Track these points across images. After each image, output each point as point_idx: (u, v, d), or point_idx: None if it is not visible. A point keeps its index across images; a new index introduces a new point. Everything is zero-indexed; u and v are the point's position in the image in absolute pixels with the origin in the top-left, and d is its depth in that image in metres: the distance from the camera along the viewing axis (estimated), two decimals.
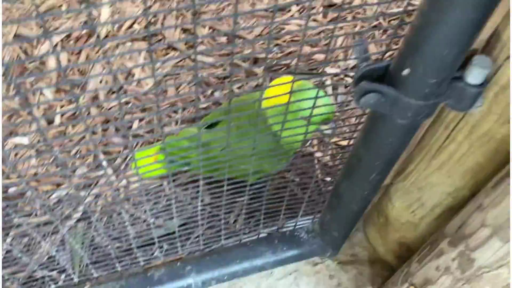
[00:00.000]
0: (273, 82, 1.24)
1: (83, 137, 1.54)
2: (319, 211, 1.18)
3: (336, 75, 1.72)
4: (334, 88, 1.73)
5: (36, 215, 1.38)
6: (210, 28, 1.85)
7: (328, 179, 1.47)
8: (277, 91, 1.14)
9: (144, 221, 1.39)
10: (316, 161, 1.54)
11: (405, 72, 0.64)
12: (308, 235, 1.18)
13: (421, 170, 0.98)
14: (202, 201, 1.45)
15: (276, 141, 1.22)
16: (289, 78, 1.17)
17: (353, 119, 1.60)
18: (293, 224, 1.20)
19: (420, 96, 0.65)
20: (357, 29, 1.86)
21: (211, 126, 1.34)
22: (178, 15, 1.87)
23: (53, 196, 1.41)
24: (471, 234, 0.79)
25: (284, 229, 1.22)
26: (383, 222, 1.20)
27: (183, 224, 1.38)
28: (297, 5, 1.93)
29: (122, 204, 1.41)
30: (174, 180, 1.47)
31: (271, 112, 1.17)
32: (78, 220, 1.37)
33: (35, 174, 1.45)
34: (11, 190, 1.40)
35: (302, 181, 1.49)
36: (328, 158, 1.53)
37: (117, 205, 1.40)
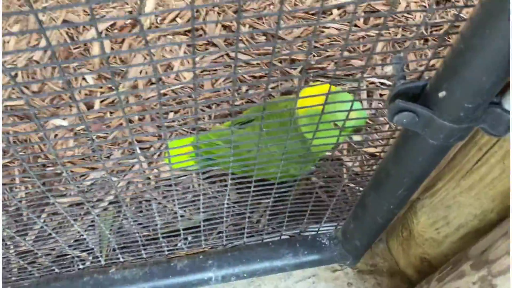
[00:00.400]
0: (308, 90, 1.25)
1: (120, 124, 1.59)
2: (344, 218, 1.18)
3: (372, 82, 1.71)
4: (369, 94, 1.72)
5: (70, 195, 1.44)
6: (250, 26, 1.87)
7: (356, 186, 1.47)
8: (312, 98, 1.16)
9: (171, 211, 1.43)
10: (344, 168, 1.54)
11: (441, 94, 0.64)
12: (330, 241, 1.19)
13: (450, 189, 0.98)
14: (228, 198, 1.48)
15: (305, 145, 1.23)
16: (325, 86, 1.18)
17: (386, 126, 1.59)
18: (316, 229, 1.22)
19: (455, 119, 0.65)
20: (398, 36, 1.84)
21: (242, 124, 1.37)
22: (220, 11, 1.90)
23: (87, 178, 1.46)
24: (495, 260, 0.78)
25: (307, 233, 1.24)
26: (407, 236, 1.20)
27: (208, 219, 1.41)
28: (338, 8, 1.93)
29: (151, 193, 1.46)
30: (203, 173, 1.50)
31: (303, 120, 1.19)
32: (109, 204, 1.43)
33: (72, 155, 1.51)
34: (48, 169, 1.47)
35: (329, 186, 1.49)
36: (356, 164, 1.52)
37: (147, 193, 1.45)
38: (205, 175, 1.51)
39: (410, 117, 0.69)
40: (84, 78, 1.68)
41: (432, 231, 1.09)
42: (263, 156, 1.28)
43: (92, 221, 1.40)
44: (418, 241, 1.16)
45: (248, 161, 1.27)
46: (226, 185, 1.48)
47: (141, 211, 1.43)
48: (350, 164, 1.54)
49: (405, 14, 1.92)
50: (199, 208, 1.38)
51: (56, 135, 1.55)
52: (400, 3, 1.95)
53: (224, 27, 1.86)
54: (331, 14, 1.93)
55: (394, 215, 0.97)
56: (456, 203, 0.98)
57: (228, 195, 1.46)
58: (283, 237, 1.22)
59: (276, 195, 1.19)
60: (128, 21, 1.83)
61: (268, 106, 1.39)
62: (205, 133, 1.46)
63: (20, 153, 1.50)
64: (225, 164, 1.30)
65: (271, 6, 1.94)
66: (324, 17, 1.91)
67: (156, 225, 1.34)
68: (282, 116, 1.27)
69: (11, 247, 1.31)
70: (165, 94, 1.67)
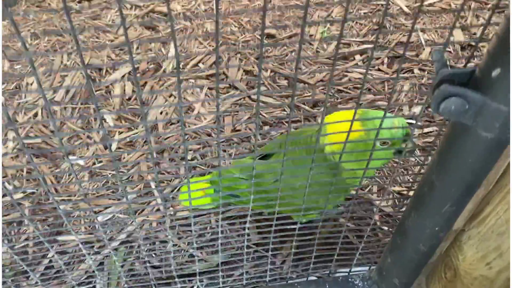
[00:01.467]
0: (334, 115, 1.18)
1: (137, 163, 1.53)
2: (375, 262, 1.06)
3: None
4: None
5: (81, 233, 1.35)
6: (271, 71, 1.86)
7: (388, 228, 1.35)
8: (339, 125, 1.09)
9: (187, 252, 1.32)
10: (374, 209, 1.43)
11: (495, 72, 0.57)
12: (364, 282, 1.06)
13: (501, 212, 0.86)
14: (249, 238, 1.36)
15: (335, 174, 1.14)
16: (351, 111, 1.11)
17: (416, 168, 1.49)
18: (347, 272, 1.09)
19: None
20: (423, 80, 1.79)
21: (264, 157, 1.29)
22: (241, 57, 1.90)
23: (100, 217, 1.38)
24: None
25: (337, 274, 1.11)
26: (451, 276, 1.05)
27: (226, 262, 1.29)
28: (361, 54, 1.91)
29: (166, 232, 1.36)
30: (222, 213, 1.40)
31: (334, 147, 1.11)
32: (121, 244, 1.33)
33: (86, 195, 1.44)
34: (61, 207, 1.39)
35: (359, 229, 1.37)
36: (388, 204, 1.41)
37: (162, 233, 1.35)
38: (224, 215, 1.41)
39: (459, 104, 0.61)
40: (103, 119, 1.65)
41: (482, 266, 0.95)
42: (288, 188, 1.19)
43: (102, 261, 1.29)
44: (466, 281, 1.01)
45: (270, 190, 1.18)
46: (246, 225, 1.38)
47: (154, 252, 1.33)
48: (381, 204, 1.43)
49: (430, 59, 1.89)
50: (217, 250, 1.27)
51: (70, 174, 1.50)
52: (424, 49, 1.93)
53: (246, 72, 1.85)
54: (354, 59, 1.91)
55: (438, 242, 0.86)
56: (509, 229, 0.85)
57: (248, 235, 1.35)
58: (310, 277, 1.09)
59: (301, 235, 1.08)
60: (151, 65, 1.84)
61: (292, 133, 1.32)
62: (225, 167, 1.39)
63: (32, 190, 1.44)
64: (246, 199, 1.21)
65: (293, 53, 1.94)
66: (346, 63, 1.89)
67: (170, 266, 1.23)
68: (308, 143, 1.20)
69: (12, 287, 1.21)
70: (185, 134, 1.62)
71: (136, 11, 2.06)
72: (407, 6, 2.13)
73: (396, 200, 1.41)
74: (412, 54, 1.90)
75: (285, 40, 1.99)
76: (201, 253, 1.32)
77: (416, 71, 1.83)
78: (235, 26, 2.05)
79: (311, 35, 2.02)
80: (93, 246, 1.31)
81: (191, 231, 1.36)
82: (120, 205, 1.41)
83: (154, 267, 1.29)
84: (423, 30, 1.99)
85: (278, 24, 2.07)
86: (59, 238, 1.33)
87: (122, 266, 1.28)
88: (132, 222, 1.37)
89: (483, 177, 0.70)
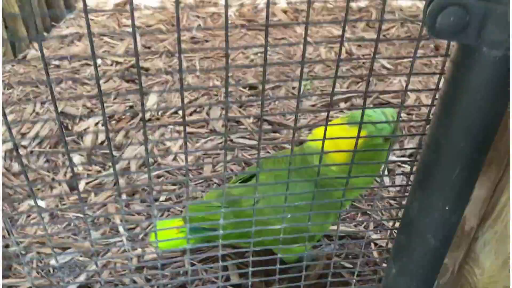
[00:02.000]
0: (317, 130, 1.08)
1: (104, 205, 1.37)
2: None
3: (393, 161, 1.54)
4: (390, 172, 1.53)
5: (33, 277, 1.15)
6: (255, 118, 1.79)
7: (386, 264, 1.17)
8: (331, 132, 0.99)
9: None
10: (373, 244, 1.26)
11: None
12: None
13: None
14: (227, 279, 1.17)
15: (328, 192, 1.00)
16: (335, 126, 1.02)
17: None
18: None
19: None
20: (412, 124, 1.73)
21: (244, 182, 1.16)
22: (223, 107, 1.85)
23: (53, 261, 1.19)
24: None
25: None
26: None
27: None
28: (345, 101, 1.87)
29: (132, 275, 1.16)
30: (197, 253, 1.22)
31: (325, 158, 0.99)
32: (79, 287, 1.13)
33: (42, 237, 1.26)
34: (11, 249, 1.21)
35: (353, 265, 1.19)
36: (385, 240, 1.25)
37: (127, 276, 1.15)
38: (199, 256, 1.23)
39: (458, 15, 0.52)
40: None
41: (505, 275, 0.79)
42: (272, 211, 1.04)
43: None
44: None
45: (251, 215, 1.02)
46: (225, 266, 1.19)
47: None
48: (377, 239, 1.27)
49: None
50: None
51: (29, 216, 1.33)
52: (410, 97, 1.90)
53: (228, 120, 1.78)
54: (339, 106, 1.86)
55: (451, 232, 0.71)
56: None
57: (227, 277, 1.16)
58: None
59: (289, 279, 0.93)
60: (128, 113, 1.77)
61: (275, 155, 1.19)
62: (197, 201, 1.24)
63: None
64: (225, 230, 1.05)
65: (276, 102, 1.89)
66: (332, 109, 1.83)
67: None
68: (293, 160, 1.08)
69: None
70: (160, 176, 1.49)
71: (117, 66, 2.04)
72: (388, 63, 2.15)
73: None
74: (398, 101, 1.86)
75: (268, 91, 1.95)
76: None
77: (403, 115, 1.78)
78: (217, 81, 2.02)
79: (293, 87, 1.99)
80: None
81: (159, 274, 1.17)
82: (81, 247, 1.23)
83: None
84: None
85: (260, 78, 2.06)
86: (5, 281, 1.12)
87: None
88: (94, 263, 1.18)
89: (497, 124, 0.59)
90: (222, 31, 2.46)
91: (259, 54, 2.26)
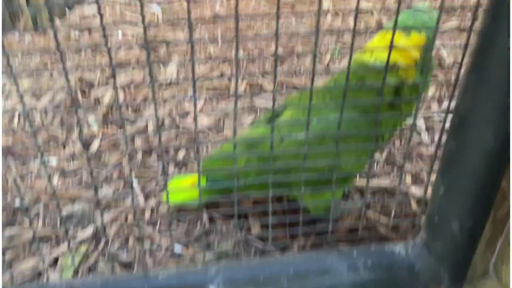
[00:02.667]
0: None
1: (120, 163, 1.29)
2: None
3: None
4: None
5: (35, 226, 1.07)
6: (280, 83, 1.69)
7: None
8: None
9: (168, 251, 1.02)
10: (412, 199, 1.12)
11: None
12: (407, 249, 0.74)
13: None
14: (249, 230, 1.06)
15: (365, 119, 0.88)
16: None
17: None
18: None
19: None
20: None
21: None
22: (246, 74, 1.75)
23: (64, 211, 1.11)
24: None
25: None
26: None
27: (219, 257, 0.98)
28: None
29: (144, 228, 1.07)
30: (216, 206, 1.12)
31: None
32: (85, 239, 1.04)
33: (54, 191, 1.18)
34: (17, 201, 1.13)
35: (394, 222, 1.06)
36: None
37: (139, 228, 1.06)
38: (218, 211, 1.12)
39: None
40: (88, 125, 1.46)
41: None
42: (299, 144, 0.92)
43: (56, 258, 0.99)
44: None
45: (278, 160, 0.91)
46: (245, 217, 1.08)
47: (126, 248, 1.02)
48: (418, 193, 1.13)
49: None
50: (208, 246, 0.97)
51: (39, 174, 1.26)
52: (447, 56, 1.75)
53: (251, 85, 1.68)
54: None
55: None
56: None
57: (249, 227, 1.05)
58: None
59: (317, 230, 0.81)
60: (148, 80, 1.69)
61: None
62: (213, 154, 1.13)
63: None
64: (246, 183, 0.94)
65: (302, 67, 1.78)
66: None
67: (146, 265, 0.93)
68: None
69: None
70: (177, 135, 1.39)
71: (137, 37, 1.98)
72: None
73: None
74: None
75: (294, 58, 1.84)
76: (187, 248, 1.01)
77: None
78: (240, 50, 1.93)
79: (321, 55, 1.87)
80: (48, 241, 1.02)
81: (173, 225, 1.08)
82: (90, 199, 1.14)
83: (123, 265, 0.98)
84: None
85: (286, 48, 1.95)
86: (9, 231, 1.05)
87: (79, 264, 0.97)
88: (103, 215, 1.09)
89: None
90: (244, 8, 2.38)
91: (283, 27, 2.16)
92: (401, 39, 0.86)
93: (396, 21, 0.60)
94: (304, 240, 1.03)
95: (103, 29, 0.57)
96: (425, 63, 0.85)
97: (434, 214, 0.70)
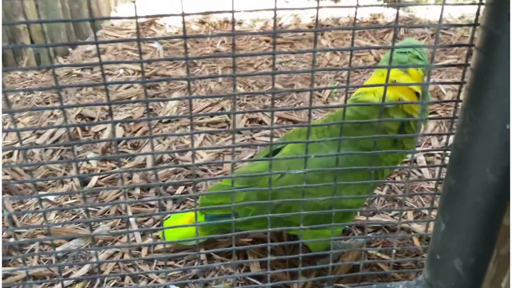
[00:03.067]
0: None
1: (116, 198, 1.28)
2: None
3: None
4: None
5: (30, 266, 1.04)
6: (279, 118, 1.69)
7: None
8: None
9: None
10: (413, 235, 1.10)
11: None
12: None
13: None
14: (248, 269, 1.03)
15: (364, 154, 0.88)
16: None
17: None
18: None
19: None
20: None
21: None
22: (246, 108, 1.76)
23: (59, 249, 1.08)
24: None
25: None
26: None
27: None
28: None
29: (141, 266, 1.04)
30: (215, 245, 1.09)
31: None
32: (80, 279, 1.01)
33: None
34: (11, 240, 1.11)
35: (396, 260, 1.03)
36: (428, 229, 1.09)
37: (135, 267, 1.03)
38: (215, 249, 1.10)
39: None
40: (88, 162, 1.45)
41: None
42: (298, 180, 0.91)
43: None
44: None
45: (278, 196, 0.90)
46: (244, 255, 1.06)
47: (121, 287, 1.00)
48: (420, 230, 1.11)
49: None
50: (206, 285, 0.95)
51: (37, 208, 1.24)
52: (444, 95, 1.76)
53: (251, 120, 1.69)
54: None
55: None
56: None
57: (247, 266, 1.03)
58: None
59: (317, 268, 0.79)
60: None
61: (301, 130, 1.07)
62: (211, 191, 1.12)
63: None
64: (244, 219, 0.92)
65: (302, 103, 1.79)
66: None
67: None
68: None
69: None
70: (177, 173, 1.39)
71: (139, 75, 2.01)
72: None
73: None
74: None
75: (293, 94, 1.86)
76: None
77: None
78: (240, 86, 1.95)
79: (320, 91, 1.89)
80: (41, 283, 1.00)
81: (172, 265, 1.05)
82: (86, 238, 1.12)
83: None
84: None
85: (285, 83, 1.98)
86: (4, 269, 1.02)
87: None
88: (98, 253, 1.07)
89: None
90: (245, 45, 2.43)
91: (283, 64, 2.19)
92: (400, 77, 0.87)
93: (391, 59, 0.61)
94: (304, 279, 1.00)
95: (102, 68, 0.57)
96: (424, 97, 0.86)
97: (436, 252, 0.68)
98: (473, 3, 0.57)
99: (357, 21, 2.82)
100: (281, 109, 0.64)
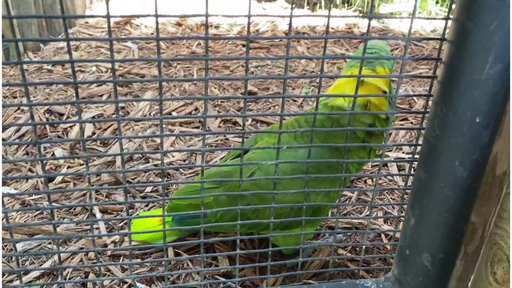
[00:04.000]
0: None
1: (83, 195, 1.24)
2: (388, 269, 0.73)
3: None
4: None
5: None
6: (253, 119, 1.69)
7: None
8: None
9: (130, 286, 0.96)
10: (383, 236, 1.10)
11: None
12: (379, 285, 0.72)
13: None
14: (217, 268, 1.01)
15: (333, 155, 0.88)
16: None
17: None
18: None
19: None
20: None
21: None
22: (220, 110, 1.75)
23: (20, 245, 1.04)
24: None
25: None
26: (504, 273, 0.72)
27: None
28: None
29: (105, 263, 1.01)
30: (179, 241, 1.07)
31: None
32: (41, 275, 0.97)
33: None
34: None
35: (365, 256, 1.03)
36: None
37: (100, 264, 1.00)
38: (184, 247, 1.08)
39: None
40: (53, 154, 1.41)
41: None
42: (269, 184, 0.90)
43: None
44: None
45: (247, 197, 0.89)
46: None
47: (83, 285, 0.96)
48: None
49: None
50: (174, 283, 0.93)
51: None
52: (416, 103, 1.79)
53: (225, 121, 1.67)
54: None
55: (483, 154, 0.58)
56: None
57: (216, 264, 1.01)
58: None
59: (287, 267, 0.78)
60: (120, 112, 1.67)
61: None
62: (186, 187, 1.10)
63: None
64: (215, 223, 0.90)
65: (276, 106, 1.79)
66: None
67: None
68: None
69: None
70: (148, 171, 1.36)
71: (111, 73, 1.97)
72: None
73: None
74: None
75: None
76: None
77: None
78: (215, 88, 1.94)
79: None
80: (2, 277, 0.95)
81: (139, 264, 1.02)
82: (50, 234, 1.08)
83: None
84: None
85: (261, 86, 1.97)
86: None
87: None
88: (61, 250, 1.03)
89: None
90: (221, 48, 2.42)
91: (259, 68, 2.20)
92: (368, 74, 0.87)
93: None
94: (274, 278, 0.99)
95: (72, 67, 0.55)
96: (391, 93, 0.87)
97: (405, 247, 0.68)
98: (443, 18, 0.58)
99: (332, 30, 2.86)
100: (253, 115, 0.64)
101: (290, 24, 0.57)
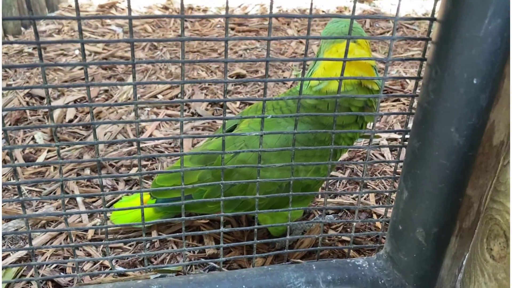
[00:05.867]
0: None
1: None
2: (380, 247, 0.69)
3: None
4: None
5: None
6: (241, 102, 1.64)
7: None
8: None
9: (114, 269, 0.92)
10: (375, 216, 1.07)
11: None
12: (371, 263, 0.68)
13: None
14: (203, 251, 0.98)
15: (320, 126, 0.84)
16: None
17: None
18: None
19: None
20: None
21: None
22: (207, 93, 1.70)
23: None
24: None
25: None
26: (501, 249, 0.69)
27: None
28: None
29: (85, 247, 0.96)
30: (168, 226, 1.03)
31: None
32: (18, 260, 0.92)
33: None
34: None
35: (358, 242, 1.00)
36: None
37: (73, 245, 0.95)
38: (171, 229, 1.03)
39: None
40: (33, 139, 1.36)
41: None
42: (254, 159, 0.86)
43: None
44: None
45: (233, 175, 0.85)
46: (200, 237, 1.00)
47: (63, 269, 0.92)
48: (382, 211, 1.08)
49: None
50: (157, 267, 0.89)
51: None
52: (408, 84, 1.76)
53: (212, 104, 1.63)
54: None
55: (481, 118, 0.54)
56: None
57: (200, 251, 0.97)
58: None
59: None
60: (103, 95, 1.61)
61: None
62: (170, 167, 1.05)
63: None
64: (200, 201, 0.86)
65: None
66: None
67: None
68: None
69: None
70: (132, 153, 1.31)
71: (95, 56, 1.90)
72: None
73: None
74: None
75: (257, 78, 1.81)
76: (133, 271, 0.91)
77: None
78: (202, 70, 1.89)
79: (284, 77, 1.85)
80: None
81: (121, 247, 0.98)
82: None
83: (59, 286, 0.87)
84: None
85: (250, 69, 1.92)
86: None
87: (8, 287, 0.86)
88: (40, 235, 0.98)
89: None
90: (209, 31, 2.36)
91: (247, 50, 2.14)
92: (354, 49, 0.84)
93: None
94: (262, 260, 0.95)
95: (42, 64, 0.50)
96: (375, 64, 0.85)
97: (398, 222, 0.64)
98: None
99: (323, 14, 2.81)
100: (236, 99, 0.61)
101: (271, 3, 0.55)
